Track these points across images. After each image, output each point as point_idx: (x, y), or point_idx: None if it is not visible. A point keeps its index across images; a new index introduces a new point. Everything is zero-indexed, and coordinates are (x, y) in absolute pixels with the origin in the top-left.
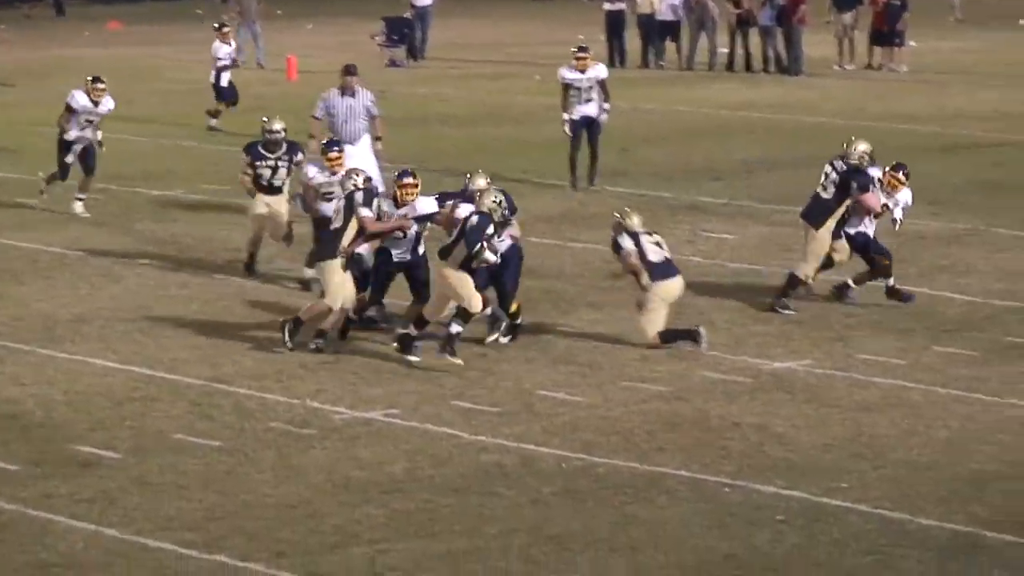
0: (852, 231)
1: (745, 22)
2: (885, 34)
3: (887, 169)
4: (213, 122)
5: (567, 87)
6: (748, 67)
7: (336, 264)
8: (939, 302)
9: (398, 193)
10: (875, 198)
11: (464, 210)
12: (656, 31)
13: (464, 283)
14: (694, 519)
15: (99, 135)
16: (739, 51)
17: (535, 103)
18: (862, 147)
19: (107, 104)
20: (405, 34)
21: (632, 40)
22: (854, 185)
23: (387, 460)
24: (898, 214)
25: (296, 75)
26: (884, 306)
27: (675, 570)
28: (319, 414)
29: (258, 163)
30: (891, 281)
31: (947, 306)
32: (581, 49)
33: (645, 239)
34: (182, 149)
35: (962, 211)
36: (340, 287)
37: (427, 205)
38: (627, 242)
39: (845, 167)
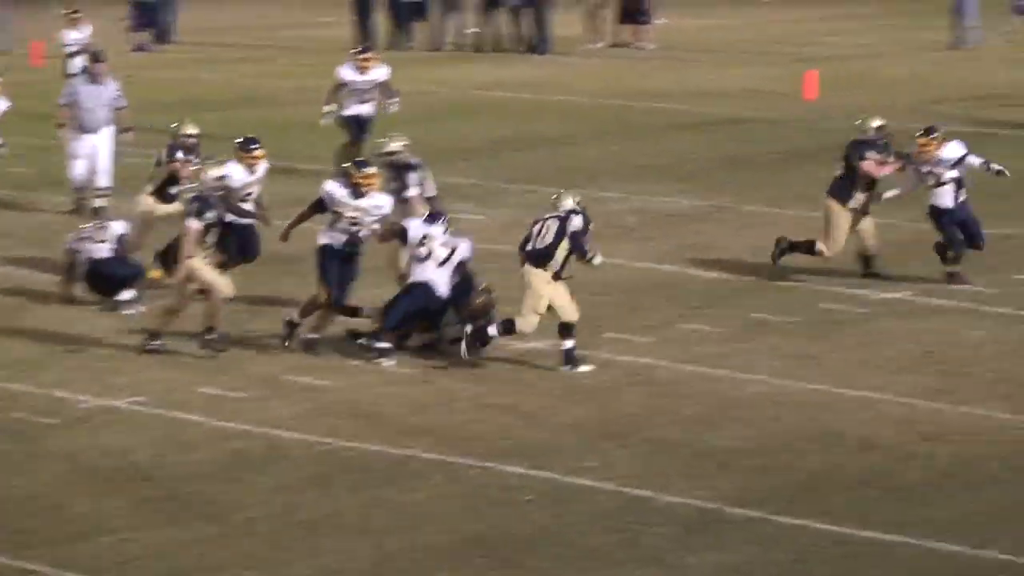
0: (929, 204)
1: (494, 1)
2: (632, 12)
3: (916, 137)
4: None
5: (342, 85)
6: (497, 46)
7: (199, 260)
8: (685, 279)
9: (360, 183)
10: (871, 165)
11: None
12: (404, 11)
13: (560, 294)
14: (442, 502)
15: None
16: (488, 30)
17: (286, 86)
18: (871, 122)
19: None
20: (152, 18)
21: (380, 21)
22: (854, 156)
23: (133, 448)
24: (957, 172)
25: (42, 60)
26: (632, 284)
27: (423, 553)
28: (64, 403)
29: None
30: (950, 267)
31: (693, 283)
32: (365, 50)
33: (423, 174)
34: None
35: (710, 188)
36: (219, 277)
37: (384, 201)
38: (413, 185)
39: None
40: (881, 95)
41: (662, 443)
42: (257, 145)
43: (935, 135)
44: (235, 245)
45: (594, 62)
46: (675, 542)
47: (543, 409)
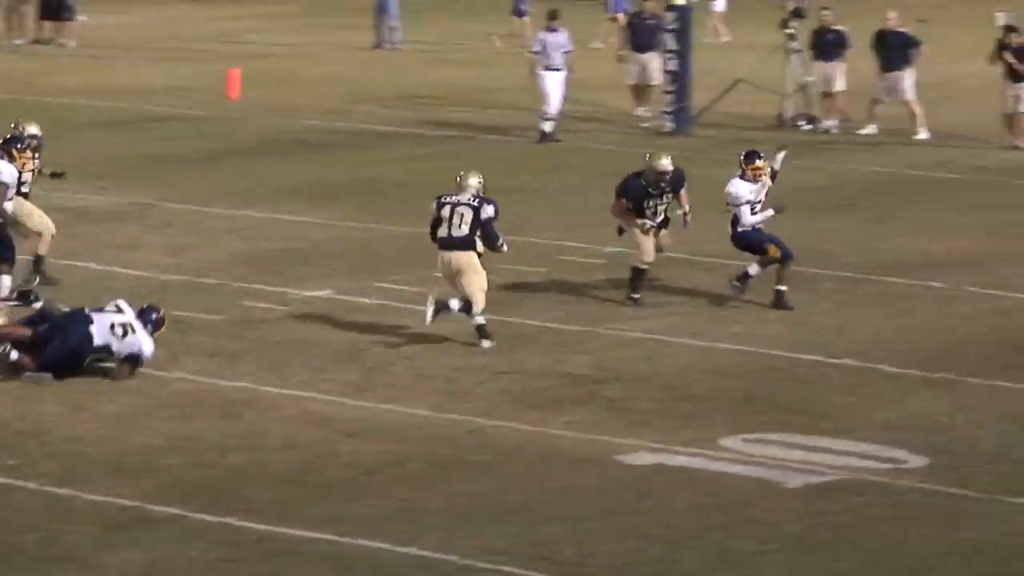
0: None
1: None
2: (55, 7)
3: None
4: None
5: None
6: None
7: None
8: (107, 277)
9: None
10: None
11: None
12: None
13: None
14: None
15: None
16: None
17: None
18: (657, 160)
19: None
20: None
21: None
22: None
23: None
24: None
25: None
26: (64, 284)
27: None
28: None
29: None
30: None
31: (116, 281)
32: None
33: None
34: None
35: (130, 185)
36: None
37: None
38: None
39: None
40: (305, 94)
41: (84, 441)
42: (21, 144)
43: (757, 156)
44: (7, 247)
45: (13, 58)
46: (95, 541)
47: None
